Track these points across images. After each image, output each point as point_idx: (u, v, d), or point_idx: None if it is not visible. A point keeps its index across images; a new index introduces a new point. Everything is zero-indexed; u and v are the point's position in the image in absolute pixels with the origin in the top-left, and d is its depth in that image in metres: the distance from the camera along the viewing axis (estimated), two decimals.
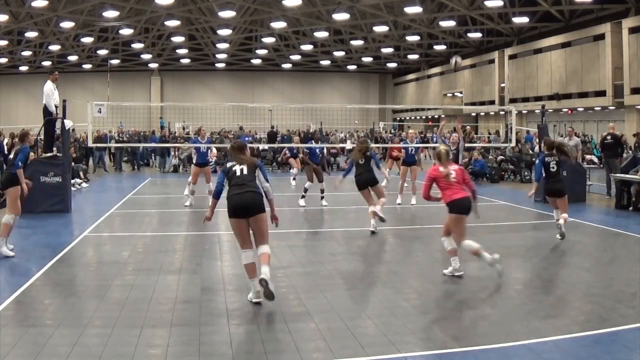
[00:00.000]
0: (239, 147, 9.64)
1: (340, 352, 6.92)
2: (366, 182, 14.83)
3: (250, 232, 9.21)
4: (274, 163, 34.26)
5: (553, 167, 14.26)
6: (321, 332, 7.55)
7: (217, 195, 9.31)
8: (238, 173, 9.17)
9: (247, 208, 8.96)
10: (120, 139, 39.17)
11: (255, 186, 9.16)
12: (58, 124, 18.83)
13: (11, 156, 12.61)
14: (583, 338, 7.41)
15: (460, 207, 10.47)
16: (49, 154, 18.75)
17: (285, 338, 7.37)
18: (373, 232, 14.59)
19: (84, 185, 25.12)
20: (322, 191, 19.35)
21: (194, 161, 20.16)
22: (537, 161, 15.47)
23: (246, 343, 7.22)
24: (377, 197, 15.00)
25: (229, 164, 9.45)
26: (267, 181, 9.39)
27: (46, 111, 18.51)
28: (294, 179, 26.08)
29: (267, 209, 9.24)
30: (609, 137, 21.82)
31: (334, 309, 8.54)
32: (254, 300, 8.79)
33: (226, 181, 9.23)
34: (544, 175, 14.35)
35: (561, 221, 13.63)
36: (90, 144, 25.25)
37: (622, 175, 19.27)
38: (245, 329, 7.71)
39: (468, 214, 10.56)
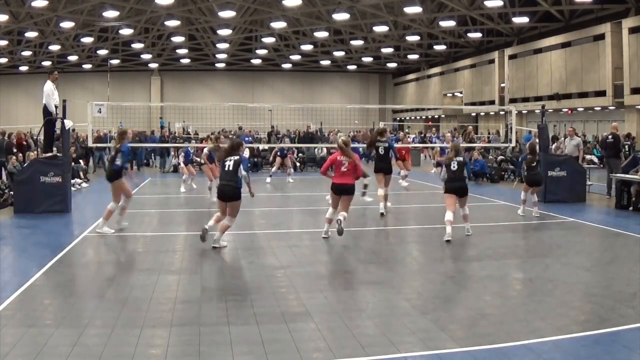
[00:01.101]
0: (237, 145, 13.00)
1: (340, 352, 6.92)
2: (380, 169, 17.35)
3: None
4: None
5: (454, 167, 14.09)
6: (321, 332, 7.55)
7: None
8: (226, 168, 12.58)
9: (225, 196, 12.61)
10: None
11: (235, 180, 12.48)
12: (58, 124, 18.83)
13: (112, 153, 15.33)
14: (583, 338, 7.41)
15: (335, 189, 13.69)
16: (49, 154, 18.75)
17: (285, 338, 7.37)
18: (382, 215, 16.56)
19: (84, 185, 25.11)
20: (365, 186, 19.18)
21: (203, 161, 22.06)
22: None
23: (246, 343, 7.21)
24: (385, 185, 17.25)
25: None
26: (245, 171, 12.68)
27: (46, 111, 18.50)
28: (286, 175, 26.67)
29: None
30: (610, 137, 21.78)
31: (334, 309, 8.54)
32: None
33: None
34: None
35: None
36: (90, 144, 25.23)
37: (622, 175, 19.28)
38: (245, 329, 7.70)
39: (345, 195, 13.59)
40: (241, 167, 12.49)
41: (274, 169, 28.44)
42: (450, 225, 13.60)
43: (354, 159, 13.89)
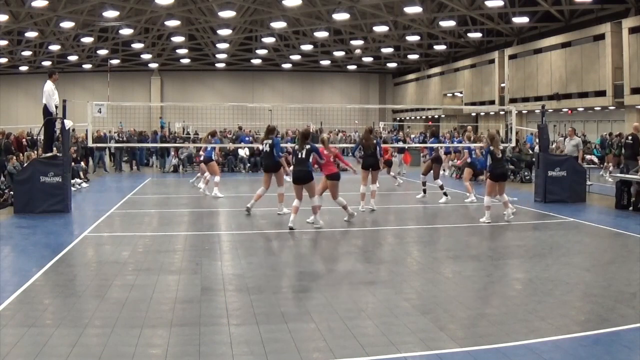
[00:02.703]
0: (309, 135, 15.86)
1: (340, 352, 6.92)
2: (370, 165, 18.31)
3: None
4: None
5: (499, 155, 16.35)
6: (321, 332, 7.55)
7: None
8: (299, 156, 15.14)
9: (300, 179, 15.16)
10: (120, 138, 39.16)
11: (307, 165, 15.13)
12: (58, 124, 18.82)
13: (267, 149, 17.33)
14: (583, 338, 7.41)
15: (331, 176, 15.87)
16: (49, 154, 18.75)
17: (285, 338, 7.37)
18: (352, 215, 16.52)
19: (84, 185, 25.12)
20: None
21: (215, 158, 23.07)
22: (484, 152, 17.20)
23: (246, 343, 7.21)
24: (372, 181, 18.51)
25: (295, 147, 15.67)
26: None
27: (46, 111, 18.49)
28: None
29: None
30: (629, 138, 21.64)
31: (334, 308, 8.54)
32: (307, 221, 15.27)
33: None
34: None
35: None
36: (90, 144, 25.24)
37: (622, 175, 19.27)
38: (245, 329, 7.70)
39: (337, 180, 15.85)
40: (313, 154, 15.19)
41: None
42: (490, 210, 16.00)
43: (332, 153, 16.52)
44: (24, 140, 29.57)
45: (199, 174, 24.45)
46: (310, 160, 15.16)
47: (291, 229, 14.57)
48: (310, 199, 15.14)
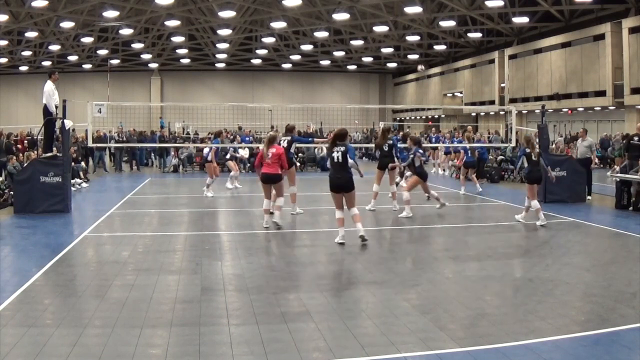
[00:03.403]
0: (343, 135, 13.48)
1: (340, 352, 6.92)
2: (385, 165, 18.34)
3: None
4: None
5: (534, 157, 16.06)
6: (321, 332, 7.55)
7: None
8: (335, 160, 13.14)
9: (340, 186, 13.18)
10: (120, 138, 39.16)
11: (347, 170, 13.08)
12: (58, 124, 18.83)
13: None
14: (583, 338, 7.41)
15: (263, 178, 15.11)
16: (49, 154, 18.75)
17: (285, 338, 7.38)
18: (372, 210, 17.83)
19: (84, 185, 25.12)
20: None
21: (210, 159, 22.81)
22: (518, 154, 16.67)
23: (246, 343, 7.21)
24: (389, 181, 18.73)
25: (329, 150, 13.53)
26: (352, 159, 13.12)
27: (46, 111, 18.49)
28: None
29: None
30: (635, 138, 21.50)
31: (334, 308, 8.54)
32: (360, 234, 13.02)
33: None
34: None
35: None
36: (90, 144, 25.23)
37: (622, 175, 19.26)
38: (245, 329, 7.71)
39: (268, 184, 15.11)
40: (348, 156, 13.07)
41: None
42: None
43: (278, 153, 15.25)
44: (25, 141, 29.59)
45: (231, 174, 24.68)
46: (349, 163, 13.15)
47: (341, 244, 12.89)
48: (349, 209, 13.25)
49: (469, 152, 23.19)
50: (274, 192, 15.42)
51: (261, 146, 16.40)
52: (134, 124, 41.31)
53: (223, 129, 38.67)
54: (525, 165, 16.18)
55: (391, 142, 18.67)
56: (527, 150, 15.97)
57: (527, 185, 16.06)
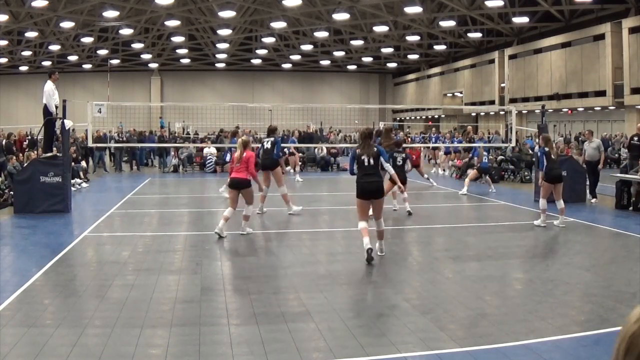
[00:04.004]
0: (368, 134, 11.95)
1: (340, 352, 6.92)
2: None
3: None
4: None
5: (554, 156, 15.68)
6: (321, 332, 7.55)
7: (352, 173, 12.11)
8: (365, 163, 11.52)
9: (372, 192, 11.50)
10: (120, 138, 39.16)
11: (379, 174, 11.75)
12: (58, 124, 18.83)
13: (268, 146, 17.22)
14: (583, 338, 7.41)
15: (230, 183, 14.42)
16: (49, 154, 18.75)
17: (285, 338, 7.37)
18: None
19: (84, 185, 25.10)
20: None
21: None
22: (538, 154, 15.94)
23: (246, 343, 7.21)
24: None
25: (358, 151, 11.71)
26: (386, 161, 11.83)
27: (46, 111, 18.48)
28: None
29: None
30: (635, 138, 21.45)
31: (334, 308, 8.54)
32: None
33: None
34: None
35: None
36: (90, 143, 25.24)
37: (622, 175, 19.25)
38: (245, 329, 7.70)
39: (236, 189, 14.21)
40: (382, 159, 11.66)
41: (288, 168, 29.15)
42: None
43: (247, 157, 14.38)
44: (25, 141, 29.59)
45: None
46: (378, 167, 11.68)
47: (369, 260, 11.25)
48: (375, 221, 11.85)
49: (477, 155, 23.21)
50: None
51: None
52: (134, 124, 41.33)
53: (220, 129, 38.75)
54: (545, 164, 15.77)
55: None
56: (547, 149, 15.76)
57: (544, 184, 15.79)
